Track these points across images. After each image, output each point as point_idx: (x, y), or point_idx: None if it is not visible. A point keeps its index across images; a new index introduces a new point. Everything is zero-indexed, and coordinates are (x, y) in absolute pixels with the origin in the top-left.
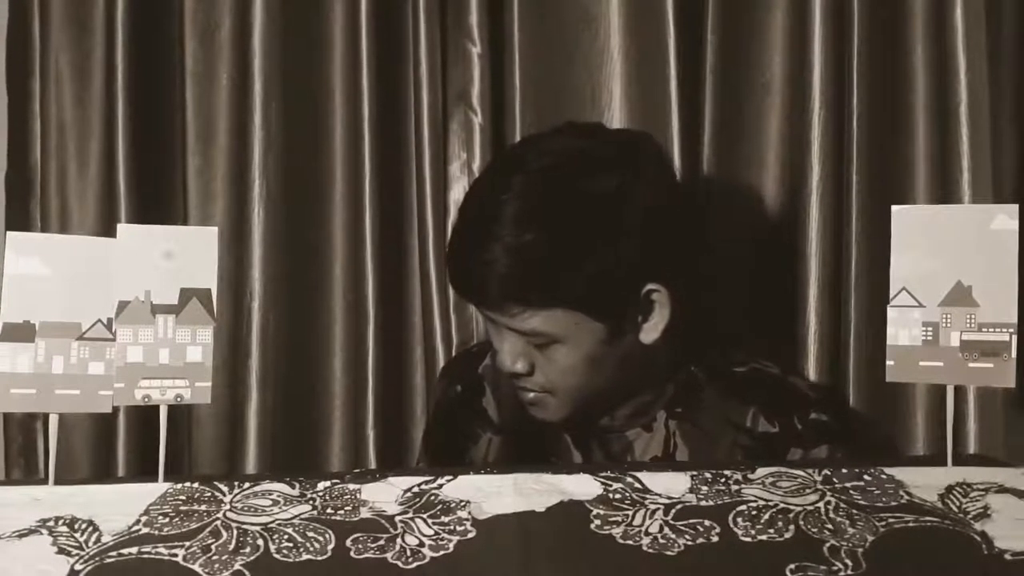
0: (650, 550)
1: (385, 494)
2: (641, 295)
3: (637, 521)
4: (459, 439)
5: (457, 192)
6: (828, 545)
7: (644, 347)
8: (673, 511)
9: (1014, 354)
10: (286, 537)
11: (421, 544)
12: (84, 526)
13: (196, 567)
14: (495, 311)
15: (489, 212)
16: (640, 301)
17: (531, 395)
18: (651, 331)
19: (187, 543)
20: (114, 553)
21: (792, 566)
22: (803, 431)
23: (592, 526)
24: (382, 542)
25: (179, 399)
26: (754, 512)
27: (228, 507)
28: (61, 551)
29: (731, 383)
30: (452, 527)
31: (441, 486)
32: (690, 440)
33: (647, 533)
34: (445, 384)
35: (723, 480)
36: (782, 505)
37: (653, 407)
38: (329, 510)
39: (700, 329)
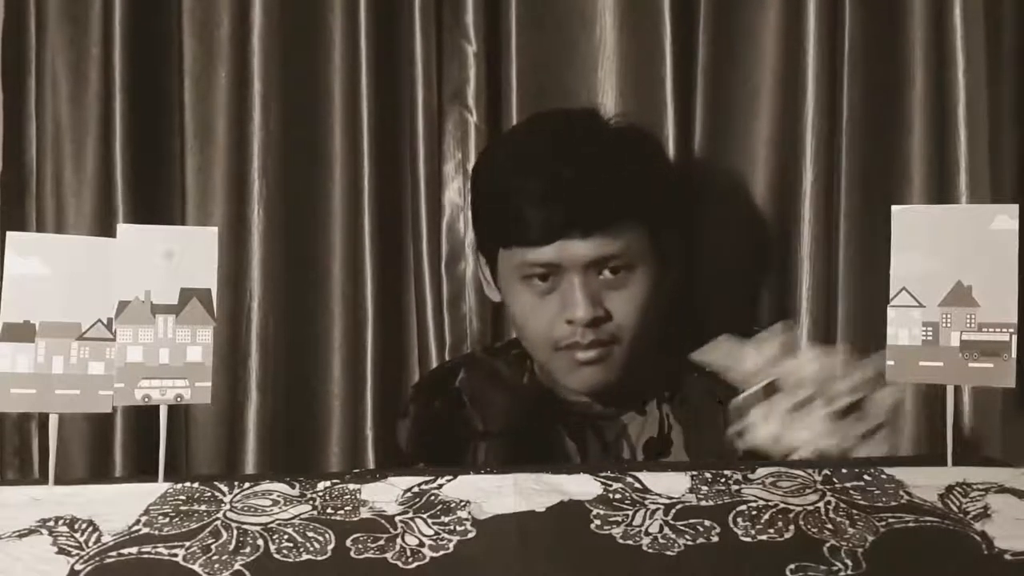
0: (650, 550)
1: (385, 494)
2: (674, 231)
3: (637, 521)
4: (449, 451)
5: (452, 192)
6: (828, 545)
7: (665, 301)
8: (673, 511)
9: (1014, 354)
10: (286, 537)
11: (421, 544)
12: (84, 526)
13: (196, 567)
14: (589, 235)
15: (568, 146)
16: (672, 239)
17: (595, 352)
18: (671, 274)
19: (187, 543)
20: (114, 553)
21: (792, 566)
22: None
23: (592, 526)
24: (382, 542)
25: (179, 399)
26: (754, 512)
27: (228, 507)
28: (61, 551)
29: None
30: (452, 527)
31: (441, 486)
32: (682, 421)
33: (647, 533)
34: (422, 402)
35: (723, 480)
36: (782, 505)
37: (645, 392)
38: (329, 510)
39: (686, 320)
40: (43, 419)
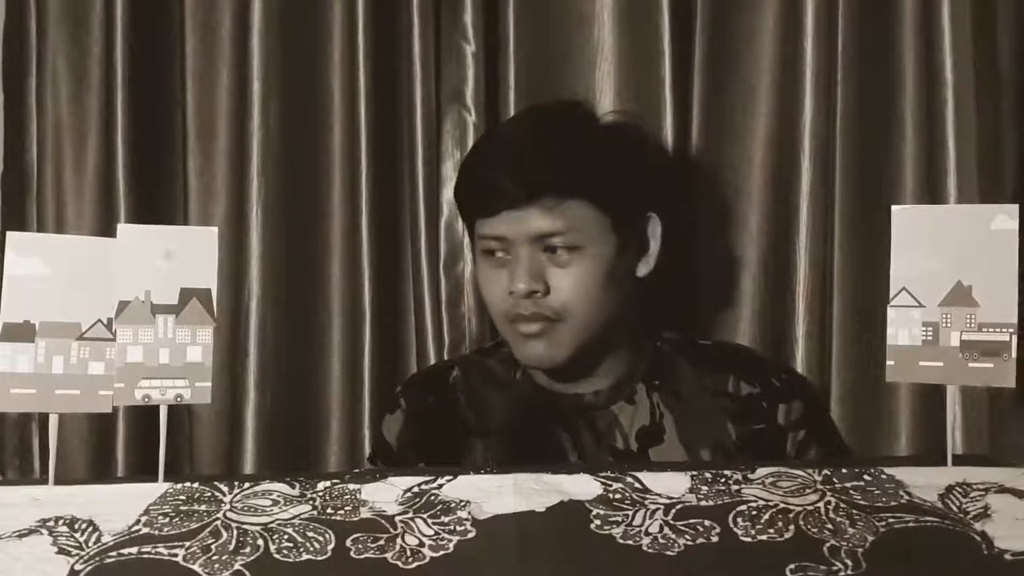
0: (650, 550)
1: (385, 494)
2: (644, 218)
3: (637, 521)
4: (442, 447)
5: (450, 191)
6: (828, 545)
7: (632, 291)
8: (673, 511)
9: (1014, 354)
10: (286, 537)
11: (421, 544)
12: (84, 526)
13: (196, 567)
14: (530, 204)
15: (533, 126)
16: (643, 227)
17: (537, 327)
18: (644, 265)
19: (187, 543)
20: (114, 553)
21: (792, 566)
22: (781, 387)
23: (592, 526)
24: (382, 542)
25: (179, 399)
26: (754, 512)
27: (228, 507)
28: (61, 551)
29: (700, 355)
30: (452, 527)
31: (441, 486)
32: (673, 408)
33: (647, 533)
34: (415, 397)
35: (723, 480)
36: (782, 505)
37: (632, 380)
38: (329, 510)
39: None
40: (43, 419)
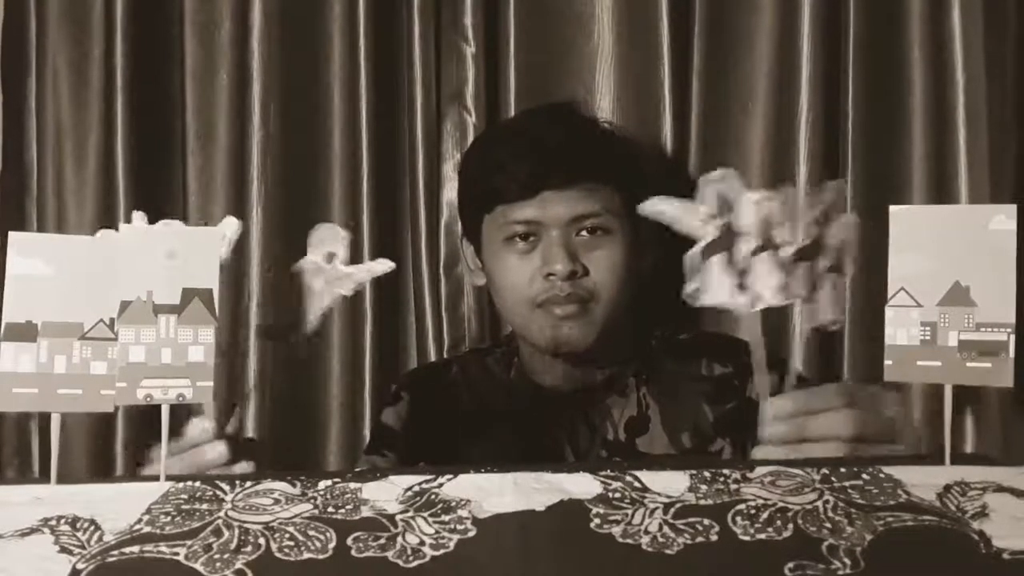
0: (649, 549)
1: (386, 493)
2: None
3: (636, 520)
4: (443, 438)
5: (450, 192)
6: (827, 544)
7: (639, 278)
8: (672, 510)
9: (1012, 354)
10: (287, 536)
11: (422, 543)
12: (86, 525)
13: (198, 566)
14: (571, 186)
15: (550, 119)
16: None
17: (573, 308)
18: (645, 261)
19: (189, 542)
20: (116, 552)
21: (791, 565)
22: (752, 362)
23: (592, 525)
24: (383, 541)
25: (181, 398)
26: (753, 511)
27: (229, 506)
28: (63, 550)
29: (682, 347)
30: (453, 526)
31: (441, 485)
32: (657, 398)
33: (646, 532)
34: (416, 389)
35: (722, 479)
36: (781, 504)
37: (624, 375)
38: (330, 509)
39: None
40: (43, 419)
